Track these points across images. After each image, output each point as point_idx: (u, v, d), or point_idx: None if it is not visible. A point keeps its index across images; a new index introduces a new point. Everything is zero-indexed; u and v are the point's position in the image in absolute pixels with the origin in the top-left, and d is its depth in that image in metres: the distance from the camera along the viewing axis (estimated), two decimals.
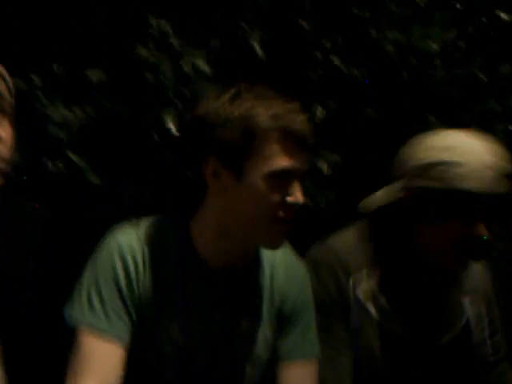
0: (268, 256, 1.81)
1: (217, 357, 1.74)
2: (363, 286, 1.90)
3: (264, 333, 1.78)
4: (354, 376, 1.91)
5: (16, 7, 2.29)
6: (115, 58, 2.24)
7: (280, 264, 1.82)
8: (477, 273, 2.04)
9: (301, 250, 2.48)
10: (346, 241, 1.96)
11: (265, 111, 1.63)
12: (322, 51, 2.47)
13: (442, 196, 1.81)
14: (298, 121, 1.63)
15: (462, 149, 1.82)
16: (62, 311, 1.70)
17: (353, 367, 1.90)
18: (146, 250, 1.70)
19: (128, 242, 1.69)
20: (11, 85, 1.78)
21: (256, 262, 1.79)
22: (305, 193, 2.41)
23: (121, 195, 2.25)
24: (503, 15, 2.89)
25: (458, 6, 2.77)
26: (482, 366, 2.00)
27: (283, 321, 1.80)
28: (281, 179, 1.63)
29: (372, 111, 2.59)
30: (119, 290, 1.67)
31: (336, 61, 2.49)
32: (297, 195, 1.65)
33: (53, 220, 1.91)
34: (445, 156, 1.81)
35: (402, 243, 1.92)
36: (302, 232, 2.49)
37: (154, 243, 1.71)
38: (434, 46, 2.45)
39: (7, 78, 1.77)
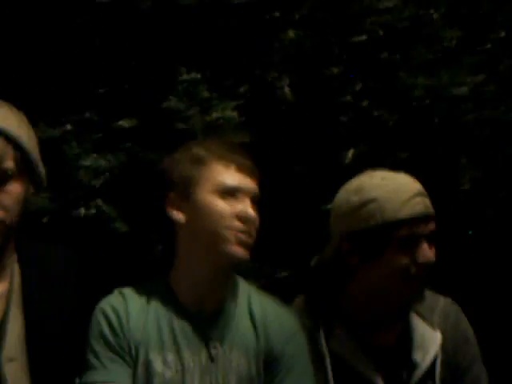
0: (245, 302, 1.92)
1: None
2: (336, 337, 1.93)
3: (250, 371, 1.86)
4: None
5: (50, 56, 2.32)
6: (147, 108, 2.27)
7: (267, 314, 1.91)
8: (443, 305, 2.02)
9: None
10: (303, 303, 2.00)
11: (202, 146, 1.88)
12: (352, 95, 2.47)
13: (379, 231, 1.85)
14: (236, 152, 1.85)
15: (385, 184, 1.89)
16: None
17: None
18: (131, 303, 1.86)
19: (108, 302, 1.87)
20: (23, 137, 1.80)
21: (231, 304, 1.90)
22: None
23: (149, 243, 2.26)
24: None
25: (488, 47, 2.77)
26: None
27: (272, 365, 1.88)
28: (227, 193, 1.81)
29: (403, 154, 2.58)
30: (106, 340, 1.83)
31: (365, 104, 2.50)
32: (243, 207, 1.80)
33: (83, 265, 1.94)
34: (372, 193, 1.88)
35: (349, 287, 1.94)
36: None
37: (139, 297, 1.88)
38: (463, 90, 2.44)
39: (17, 134, 1.78)
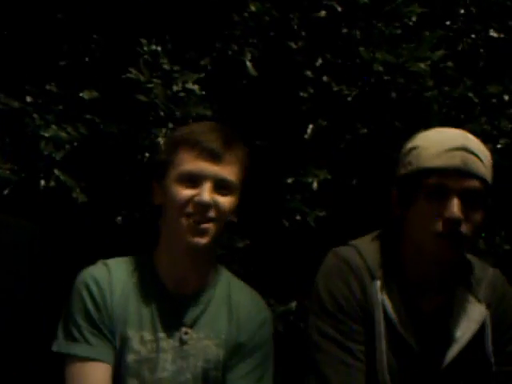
0: (224, 289, 1.99)
1: (174, 368, 1.90)
2: (390, 292, 1.91)
3: (218, 354, 1.93)
4: None
5: (10, 27, 2.31)
6: (108, 80, 2.27)
7: (240, 301, 1.98)
8: (492, 277, 2.00)
9: (292, 266, 2.52)
10: (370, 245, 1.98)
11: (182, 130, 1.96)
12: (312, 71, 2.49)
13: (414, 178, 1.86)
14: (209, 135, 1.88)
15: (435, 134, 1.92)
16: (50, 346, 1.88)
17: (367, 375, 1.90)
18: (114, 276, 1.91)
19: (91, 274, 1.91)
20: None
21: (209, 289, 1.97)
22: (294, 209, 2.47)
23: (110, 214, 2.27)
24: (493, 33, 2.91)
25: (447, 24, 2.79)
26: (498, 377, 1.96)
27: (241, 354, 1.95)
28: (189, 180, 1.86)
29: (362, 129, 2.60)
30: (89, 314, 1.87)
31: (326, 79, 2.51)
32: (201, 194, 1.84)
33: (42, 237, 1.94)
34: (418, 141, 1.90)
35: (400, 238, 1.95)
36: (293, 249, 2.53)
37: (123, 271, 1.93)
38: (422, 66, 2.47)
39: None
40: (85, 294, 1.87)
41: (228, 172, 1.87)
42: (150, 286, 1.92)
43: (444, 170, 1.83)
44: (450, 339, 1.92)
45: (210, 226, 1.86)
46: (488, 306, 1.94)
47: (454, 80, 2.73)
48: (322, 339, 1.90)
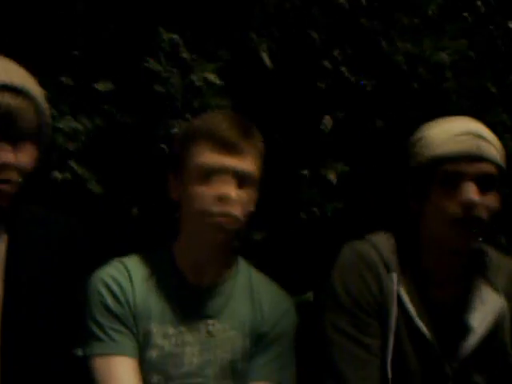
0: (244, 281, 1.99)
1: (200, 362, 1.89)
2: (406, 285, 1.90)
3: (244, 344, 1.92)
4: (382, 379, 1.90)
5: (26, 19, 2.28)
6: (125, 71, 2.25)
7: (261, 292, 1.98)
8: (509, 267, 2.00)
9: (308, 258, 2.49)
10: (385, 240, 1.98)
11: (197, 122, 1.90)
12: (331, 61, 2.46)
13: (428, 167, 1.86)
14: (226, 126, 1.83)
15: (440, 123, 1.92)
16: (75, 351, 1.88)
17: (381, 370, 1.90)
18: (133, 272, 1.89)
19: (108, 272, 1.89)
20: (43, 102, 1.77)
21: (230, 281, 1.96)
22: (312, 202, 2.44)
23: (126, 206, 2.25)
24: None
25: (467, 16, 2.76)
26: None
27: (264, 344, 1.94)
28: (206, 175, 1.81)
29: (381, 121, 2.58)
30: (110, 311, 1.85)
31: (345, 71, 2.49)
32: (220, 188, 1.80)
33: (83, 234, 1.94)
34: (424, 132, 1.91)
35: (416, 231, 1.95)
36: (310, 241, 2.51)
37: (142, 268, 1.91)
38: (445, 58, 2.44)
39: (37, 95, 1.75)
40: (104, 291, 1.86)
41: (247, 164, 1.83)
42: (170, 280, 1.90)
43: (455, 155, 1.82)
44: (466, 330, 1.91)
45: (233, 221, 1.83)
46: (505, 297, 1.93)
47: (473, 71, 2.70)
48: (337, 334, 1.90)
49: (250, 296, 1.96)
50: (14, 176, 1.71)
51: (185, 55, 2.21)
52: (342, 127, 2.56)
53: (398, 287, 1.89)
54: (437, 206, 1.84)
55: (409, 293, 1.90)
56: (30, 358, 1.79)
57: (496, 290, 1.93)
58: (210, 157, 1.81)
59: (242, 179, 1.83)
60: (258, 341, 1.94)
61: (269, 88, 2.39)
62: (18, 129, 1.71)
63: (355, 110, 2.56)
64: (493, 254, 2.00)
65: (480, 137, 1.84)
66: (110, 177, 2.26)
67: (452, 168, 1.82)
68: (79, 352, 1.87)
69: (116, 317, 1.85)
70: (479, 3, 2.84)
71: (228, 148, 1.81)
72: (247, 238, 2.40)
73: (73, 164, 2.20)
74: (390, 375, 1.88)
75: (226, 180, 1.81)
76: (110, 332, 1.83)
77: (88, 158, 2.23)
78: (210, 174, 1.81)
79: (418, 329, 1.89)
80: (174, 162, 1.88)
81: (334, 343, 1.90)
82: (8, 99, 1.69)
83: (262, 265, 2.22)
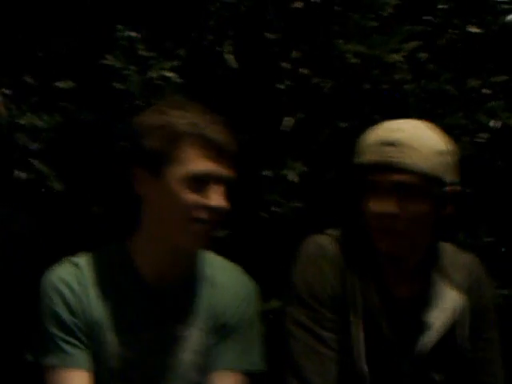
0: (208, 272, 1.90)
1: (163, 366, 1.82)
2: (363, 280, 1.91)
3: (208, 341, 1.86)
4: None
5: None
6: (84, 68, 2.26)
7: (223, 280, 1.90)
8: (465, 263, 2.01)
9: (269, 258, 2.51)
10: (344, 234, 1.99)
11: (183, 119, 1.74)
12: (289, 62, 2.49)
13: (356, 173, 1.88)
14: (216, 129, 1.75)
15: (377, 127, 1.90)
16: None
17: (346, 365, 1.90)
18: (86, 274, 1.80)
19: (59, 275, 1.80)
20: None
21: (193, 277, 1.88)
22: (272, 202, 2.46)
23: (86, 202, 2.26)
24: (472, 28, 2.92)
25: (426, 18, 2.80)
26: (474, 363, 1.97)
27: (224, 333, 1.88)
28: (198, 182, 1.72)
29: (341, 122, 2.61)
30: (61, 322, 1.77)
31: (303, 71, 2.51)
32: (214, 198, 1.73)
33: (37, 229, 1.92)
34: (359, 138, 1.90)
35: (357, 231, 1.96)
36: (270, 241, 2.53)
37: (95, 268, 1.82)
38: (396, 58, 2.47)
39: None
40: (55, 298, 1.78)
41: (233, 170, 1.79)
42: (128, 281, 1.82)
43: (368, 165, 1.84)
44: (422, 326, 1.92)
45: (215, 229, 1.80)
46: (463, 292, 1.94)
47: (433, 73, 2.74)
48: (295, 327, 1.90)
49: (211, 291, 1.88)
50: None
51: (143, 52, 2.22)
52: (303, 128, 2.58)
53: (357, 282, 1.89)
54: (366, 213, 1.86)
55: (367, 288, 1.90)
56: None
57: (453, 286, 1.94)
58: (205, 165, 1.73)
59: (228, 186, 1.79)
60: (220, 330, 1.87)
61: (228, 87, 2.41)
62: None
63: (316, 110, 2.58)
64: (449, 250, 2.01)
65: (393, 145, 1.81)
66: (70, 174, 2.26)
67: (371, 177, 1.83)
68: (29, 357, 1.82)
69: (68, 327, 1.77)
70: (440, 6, 2.88)
71: (222, 156, 1.74)
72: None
73: (34, 162, 2.21)
74: (366, 369, 1.90)
75: (219, 189, 1.75)
76: (62, 344, 1.77)
77: (49, 155, 2.24)
78: (203, 182, 1.73)
79: (376, 324, 1.89)
80: (146, 157, 1.74)
81: (292, 335, 1.90)
82: None
83: None
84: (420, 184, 1.81)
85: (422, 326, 1.92)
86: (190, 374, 1.85)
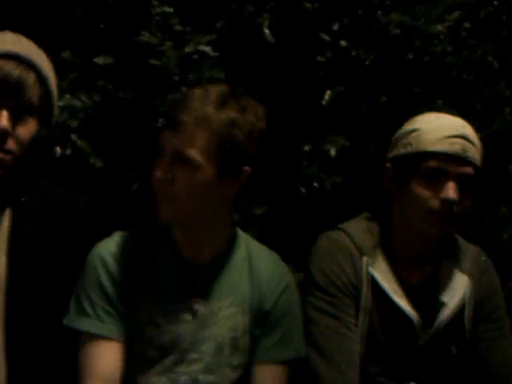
0: (245, 255, 1.96)
1: (196, 338, 1.88)
2: (379, 266, 2.04)
3: (244, 321, 1.91)
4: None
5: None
6: (120, 45, 2.25)
7: (261, 266, 1.96)
8: (474, 253, 2.16)
9: (310, 233, 2.50)
10: (358, 226, 2.11)
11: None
12: (329, 34, 2.46)
13: (412, 159, 1.99)
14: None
15: (434, 120, 2.03)
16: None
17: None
18: (130, 249, 1.87)
19: (106, 247, 1.87)
20: (50, 78, 1.78)
21: (230, 257, 1.93)
22: (311, 176, 2.45)
23: (125, 180, 2.26)
24: None
25: None
26: (485, 341, 2.10)
27: (264, 320, 1.93)
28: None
29: (381, 96, 2.58)
30: (104, 291, 1.84)
31: (344, 43, 2.49)
32: None
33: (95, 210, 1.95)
34: (418, 124, 2.02)
35: (391, 214, 2.08)
36: (310, 216, 2.51)
37: (138, 242, 1.89)
38: (439, 28, 2.44)
39: (43, 69, 1.76)
40: (100, 268, 1.84)
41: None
42: (168, 256, 1.88)
43: (444, 154, 1.95)
44: (439, 306, 2.06)
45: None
46: (471, 278, 2.09)
47: (474, 45, 2.69)
48: (315, 313, 2.02)
49: (248, 272, 1.93)
50: (11, 145, 1.72)
51: (178, 27, 2.21)
52: (343, 101, 2.55)
53: (370, 268, 2.03)
54: (415, 195, 1.98)
55: (382, 273, 2.03)
56: (33, 330, 1.80)
57: (463, 271, 2.09)
58: None
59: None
60: (261, 320, 1.92)
61: (267, 60, 2.39)
62: (18, 98, 1.71)
63: (356, 83, 2.55)
64: (460, 240, 2.17)
65: (468, 140, 1.97)
66: (110, 152, 2.27)
67: (438, 165, 1.95)
68: (66, 321, 1.85)
69: (109, 297, 1.83)
70: None
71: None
72: (248, 212, 2.41)
73: (75, 139, 2.21)
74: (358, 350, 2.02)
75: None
76: (100, 311, 1.82)
77: (88, 133, 2.24)
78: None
79: (394, 305, 2.02)
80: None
81: (313, 321, 2.01)
82: (12, 68, 1.70)
83: (262, 239, 2.23)
84: (475, 177, 1.99)
85: (437, 305, 2.06)
86: (224, 350, 1.89)
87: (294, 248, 2.45)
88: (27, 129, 1.74)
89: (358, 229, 2.10)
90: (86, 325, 1.83)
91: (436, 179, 1.96)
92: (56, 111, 1.84)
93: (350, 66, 2.53)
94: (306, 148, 2.53)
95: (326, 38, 2.46)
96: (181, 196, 1.77)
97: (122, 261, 1.85)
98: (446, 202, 1.94)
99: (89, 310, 1.83)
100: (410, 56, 2.46)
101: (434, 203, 1.95)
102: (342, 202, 2.49)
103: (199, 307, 1.87)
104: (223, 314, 1.89)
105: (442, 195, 1.94)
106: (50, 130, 1.87)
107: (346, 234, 2.07)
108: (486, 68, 2.73)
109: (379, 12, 2.44)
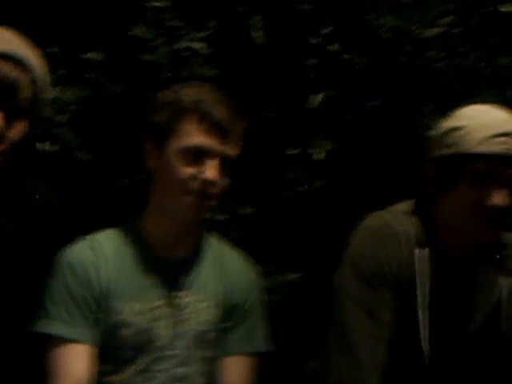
0: (216, 251, 1.98)
1: (173, 334, 1.89)
2: (427, 262, 1.88)
3: (216, 315, 1.93)
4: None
5: None
6: (112, 39, 2.24)
7: (232, 261, 1.99)
8: None
9: (296, 235, 2.50)
10: (408, 215, 1.94)
11: (187, 96, 1.84)
12: (319, 37, 2.46)
13: (458, 161, 1.83)
14: (218, 107, 1.82)
15: (478, 115, 1.86)
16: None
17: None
18: (102, 251, 1.87)
19: (75, 254, 1.86)
20: (43, 77, 1.77)
21: (202, 253, 1.95)
22: (296, 181, 2.44)
23: (112, 173, 2.25)
24: (502, 8, 2.87)
25: None
26: None
27: (233, 313, 1.96)
28: (193, 156, 1.81)
29: (371, 100, 2.58)
30: (71, 294, 1.83)
31: (334, 47, 2.48)
32: (206, 171, 1.79)
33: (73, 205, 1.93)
34: (460, 122, 1.85)
35: (433, 216, 1.92)
36: (296, 218, 2.51)
37: (110, 243, 1.89)
38: (432, 32, 2.43)
39: (35, 69, 1.74)
40: (68, 273, 1.83)
41: (233, 149, 1.84)
42: (139, 254, 1.89)
43: (493, 156, 1.80)
44: (474, 307, 1.93)
45: (210, 203, 1.84)
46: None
47: (465, 51, 2.70)
48: (352, 305, 1.86)
49: (219, 269, 1.96)
50: (3, 147, 1.70)
51: (171, 23, 2.20)
52: (333, 105, 2.55)
53: (422, 265, 1.87)
54: (462, 198, 1.84)
55: (433, 271, 1.88)
56: (5, 331, 1.79)
57: (504, 274, 1.95)
58: (199, 138, 1.80)
59: (226, 164, 1.83)
60: (231, 313, 1.95)
61: (257, 61, 2.39)
62: (13, 100, 1.69)
63: (345, 87, 2.55)
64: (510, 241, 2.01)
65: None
66: (98, 146, 2.26)
67: (487, 168, 1.81)
68: (35, 327, 1.83)
69: (76, 300, 1.82)
70: None
71: (220, 132, 1.80)
72: (233, 212, 2.41)
73: (60, 132, 2.20)
74: (427, 353, 1.88)
75: (213, 164, 1.80)
76: (70, 316, 1.82)
77: (76, 126, 2.23)
78: (198, 156, 1.80)
79: (440, 306, 1.89)
80: (156, 132, 1.84)
81: (348, 313, 1.86)
82: (10, 70, 1.68)
83: (247, 240, 2.23)
84: None
85: (472, 307, 1.94)
86: (197, 343, 1.91)
87: (279, 249, 2.45)
88: (19, 130, 1.73)
89: (410, 218, 1.92)
90: (53, 328, 1.82)
91: (485, 182, 1.81)
92: (48, 110, 1.83)
93: (339, 69, 2.52)
94: (294, 151, 2.52)
95: (317, 41, 2.45)
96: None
97: (93, 267, 1.84)
98: (497, 209, 1.80)
99: (55, 313, 1.82)
100: (402, 60, 2.45)
101: (482, 208, 1.81)
102: (326, 206, 2.49)
103: (174, 304, 1.89)
104: (196, 309, 1.91)
105: (490, 201, 1.80)
106: (37, 128, 1.86)
107: (401, 220, 1.89)
108: (477, 74, 2.73)
109: (371, 16, 2.43)
